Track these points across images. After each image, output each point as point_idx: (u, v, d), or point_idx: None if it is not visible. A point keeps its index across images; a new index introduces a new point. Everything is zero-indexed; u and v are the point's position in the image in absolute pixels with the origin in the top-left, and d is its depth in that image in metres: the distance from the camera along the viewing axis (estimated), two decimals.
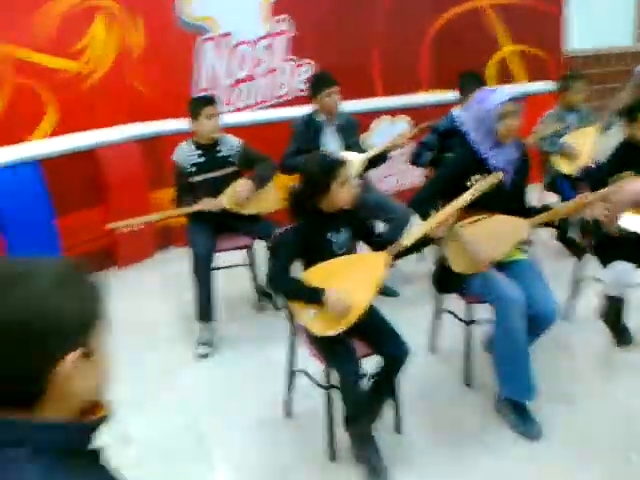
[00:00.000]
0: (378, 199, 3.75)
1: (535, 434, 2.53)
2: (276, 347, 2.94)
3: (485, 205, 2.57)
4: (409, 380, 2.63)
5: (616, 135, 3.34)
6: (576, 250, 3.55)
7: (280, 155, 3.66)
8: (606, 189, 2.48)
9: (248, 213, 3.43)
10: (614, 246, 2.90)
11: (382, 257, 2.36)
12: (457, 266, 2.60)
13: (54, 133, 4.16)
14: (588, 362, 3.05)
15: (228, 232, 3.50)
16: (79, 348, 0.87)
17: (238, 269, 3.73)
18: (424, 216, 2.60)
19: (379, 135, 4.81)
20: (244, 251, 3.67)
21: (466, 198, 2.44)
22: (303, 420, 2.74)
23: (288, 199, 2.45)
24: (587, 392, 2.81)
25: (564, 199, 3.79)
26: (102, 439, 0.96)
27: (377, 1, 4.85)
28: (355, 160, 3.48)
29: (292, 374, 2.71)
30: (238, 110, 4.67)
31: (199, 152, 3.41)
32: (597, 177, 3.03)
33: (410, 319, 2.95)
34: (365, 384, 2.40)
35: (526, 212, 2.71)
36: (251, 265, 3.69)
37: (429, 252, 3.69)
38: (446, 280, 2.75)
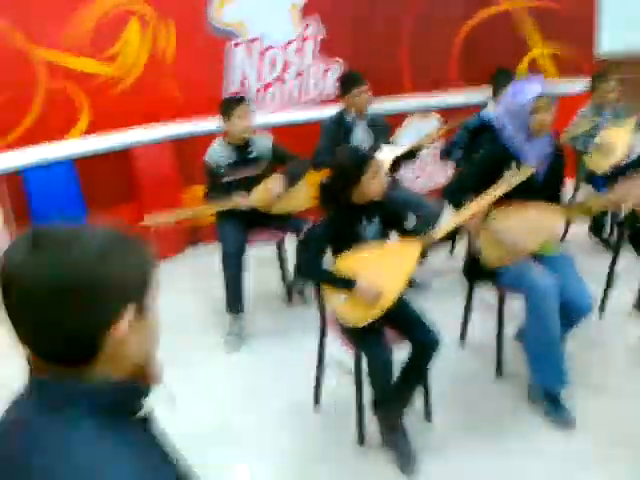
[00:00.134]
0: (407, 197, 3.74)
1: (568, 422, 2.52)
2: (306, 338, 2.97)
3: (517, 198, 2.56)
4: (440, 369, 2.62)
5: None
6: (610, 244, 3.50)
7: (310, 155, 3.68)
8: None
9: (278, 213, 3.46)
10: None
11: (414, 246, 2.37)
12: (490, 257, 2.59)
13: (88, 133, 4.25)
14: (621, 355, 3.02)
15: (259, 227, 3.53)
16: (134, 309, 0.88)
17: (268, 264, 3.77)
18: (457, 207, 2.60)
19: (409, 133, 4.80)
20: (274, 247, 3.70)
21: (498, 191, 2.44)
22: (333, 407, 2.76)
23: (319, 192, 2.47)
24: (619, 384, 2.78)
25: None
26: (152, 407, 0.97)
27: (407, 2, 4.86)
28: (384, 158, 3.48)
29: (322, 361, 2.73)
30: (270, 112, 4.70)
31: (231, 152, 3.43)
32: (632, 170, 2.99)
33: (441, 311, 2.94)
34: (395, 371, 2.40)
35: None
36: (281, 260, 3.72)
37: (460, 248, 3.69)
38: (478, 270, 2.73)
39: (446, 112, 4.97)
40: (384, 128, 3.84)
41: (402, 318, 2.43)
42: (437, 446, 2.47)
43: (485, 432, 2.54)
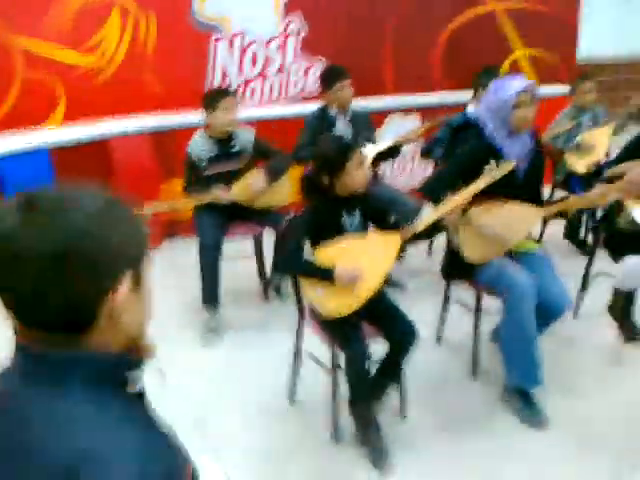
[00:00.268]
0: (389, 193, 3.73)
1: (540, 421, 2.52)
2: (281, 333, 2.95)
3: (497, 194, 2.56)
4: (415, 367, 2.62)
5: (631, 135, 3.33)
6: (585, 248, 3.52)
7: (291, 151, 3.65)
8: (622, 181, 2.46)
9: (259, 208, 3.42)
10: (625, 240, 2.88)
11: (394, 239, 2.35)
12: (469, 252, 2.58)
13: (66, 124, 4.19)
14: (595, 356, 3.04)
15: (239, 220, 3.48)
16: (131, 277, 0.85)
17: (245, 259, 3.72)
18: (436, 202, 2.58)
19: (390, 131, 4.80)
20: (252, 242, 3.66)
21: (478, 185, 2.44)
22: (307, 404, 2.73)
23: (301, 183, 2.44)
24: (592, 385, 2.79)
25: None
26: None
27: (392, 1, 4.86)
28: (366, 153, 3.46)
29: (298, 357, 2.70)
30: (252, 106, 4.67)
31: (213, 146, 3.37)
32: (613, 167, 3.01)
33: (417, 311, 2.94)
34: (371, 367, 2.39)
35: (539, 204, 2.69)
36: (259, 254, 3.68)
37: (438, 248, 3.68)
38: (456, 268, 2.72)
39: (428, 111, 4.96)
40: (366, 124, 3.82)
41: (379, 311, 2.41)
42: (410, 442, 2.46)
43: (458, 430, 2.53)
